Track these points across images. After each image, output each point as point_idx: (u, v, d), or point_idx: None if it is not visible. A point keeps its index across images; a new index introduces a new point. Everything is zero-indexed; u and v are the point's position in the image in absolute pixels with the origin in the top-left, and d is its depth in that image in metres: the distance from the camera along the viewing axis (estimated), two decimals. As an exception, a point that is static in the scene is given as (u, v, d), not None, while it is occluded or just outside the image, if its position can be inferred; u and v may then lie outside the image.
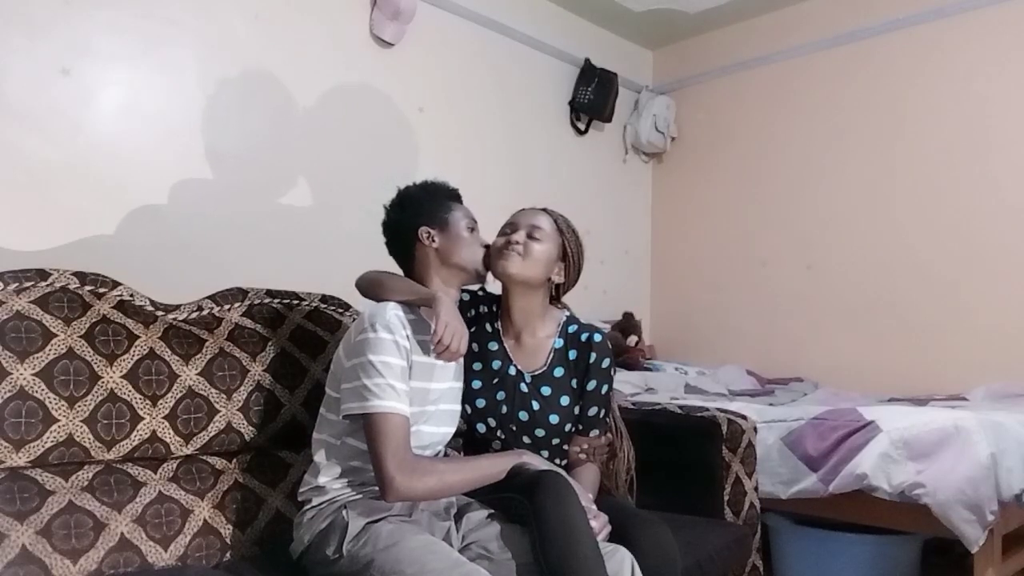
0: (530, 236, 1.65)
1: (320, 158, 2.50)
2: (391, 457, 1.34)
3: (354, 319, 1.98)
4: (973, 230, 2.93)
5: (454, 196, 1.68)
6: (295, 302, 1.92)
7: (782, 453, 2.22)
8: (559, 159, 3.41)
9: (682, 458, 1.99)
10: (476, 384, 1.69)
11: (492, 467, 1.48)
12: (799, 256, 3.40)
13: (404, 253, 1.63)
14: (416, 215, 1.61)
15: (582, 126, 3.52)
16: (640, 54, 3.91)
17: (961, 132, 2.97)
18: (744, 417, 2.03)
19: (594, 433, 1.70)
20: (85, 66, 1.98)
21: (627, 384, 2.84)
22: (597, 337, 1.69)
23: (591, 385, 1.67)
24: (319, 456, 1.49)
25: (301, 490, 1.51)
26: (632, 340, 3.51)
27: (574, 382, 1.68)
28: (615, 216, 3.72)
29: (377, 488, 1.37)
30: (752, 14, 3.54)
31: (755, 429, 2.06)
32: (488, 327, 1.74)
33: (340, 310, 2.00)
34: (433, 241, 1.59)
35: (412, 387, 1.45)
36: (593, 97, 3.42)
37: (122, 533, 1.45)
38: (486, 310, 1.76)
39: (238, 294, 1.84)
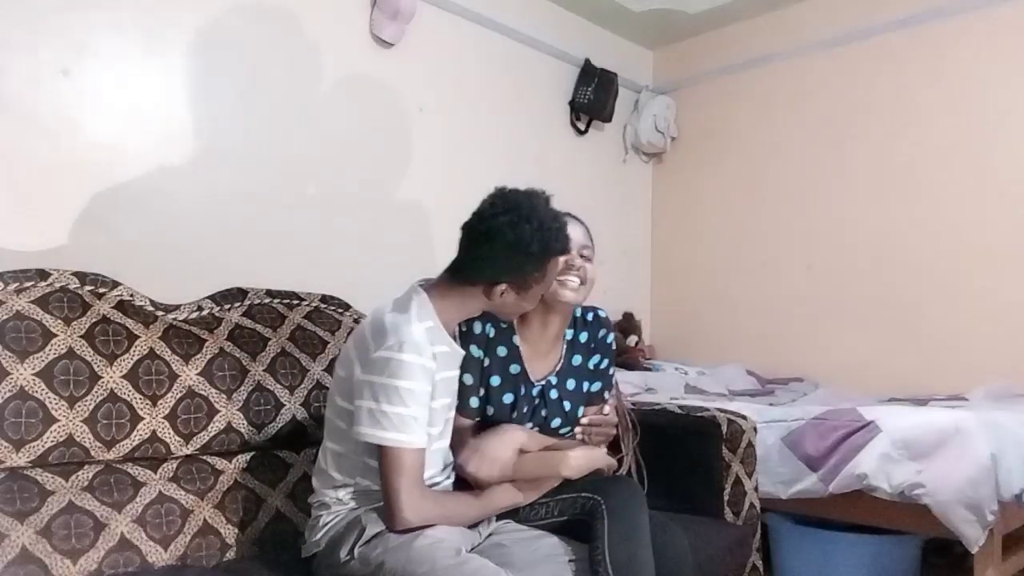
0: (583, 256, 1.62)
1: (320, 158, 2.50)
2: (404, 492, 1.33)
3: (355, 319, 1.98)
4: (973, 230, 2.92)
5: (554, 251, 1.48)
6: (295, 302, 1.92)
7: (782, 453, 2.23)
8: (559, 159, 3.41)
9: (682, 458, 1.99)
10: (496, 382, 1.61)
11: (491, 504, 1.48)
12: (799, 256, 3.40)
13: (466, 270, 1.47)
14: (508, 265, 1.43)
15: (582, 126, 3.52)
16: (640, 54, 3.91)
17: (961, 132, 2.97)
18: (744, 417, 2.03)
19: (591, 409, 1.73)
20: (85, 66, 1.97)
21: (627, 384, 2.83)
22: (602, 313, 1.75)
23: (597, 361, 1.74)
24: (334, 470, 1.44)
25: (316, 498, 1.48)
26: (632, 340, 3.52)
27: (590, 363, 1.73)
28: (615, 216, 3.72)
29: None
30: (752, 14, 3.54)
31: (755, 429, 2.06)
32: (507, 337, 1.64)
33: (340, 310, 2.00)
34: (500, 296, 1.45)
35: (434, 406, 1.42)
36: (593, 97, 3.42)
37: (122, 533, 1.45)
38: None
39: (238, 294, 1.85)
